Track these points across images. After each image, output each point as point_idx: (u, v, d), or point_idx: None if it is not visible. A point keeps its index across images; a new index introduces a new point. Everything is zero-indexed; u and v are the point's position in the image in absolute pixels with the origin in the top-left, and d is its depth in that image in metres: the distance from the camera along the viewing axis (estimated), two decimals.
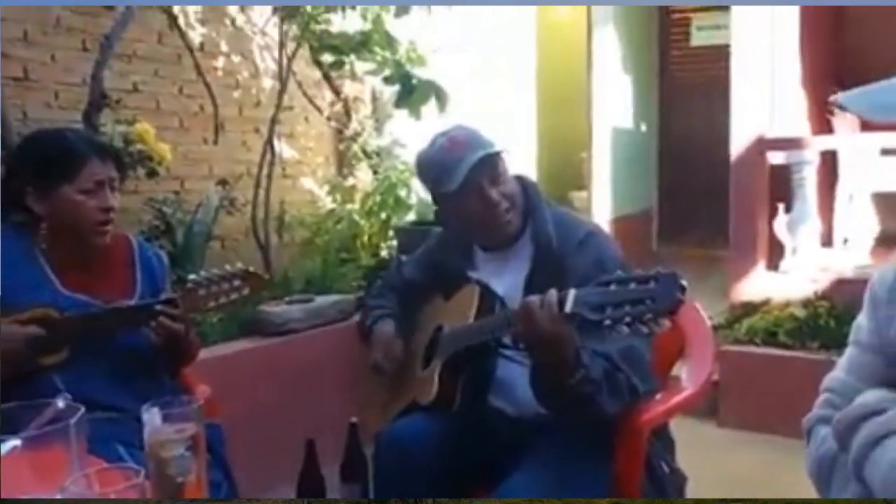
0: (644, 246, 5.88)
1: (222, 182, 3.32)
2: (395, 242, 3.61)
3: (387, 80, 3.41)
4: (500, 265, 1.64)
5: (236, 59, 3.61)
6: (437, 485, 1.49)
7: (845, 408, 0.94)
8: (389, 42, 3.30)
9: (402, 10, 3.21)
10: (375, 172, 3.84)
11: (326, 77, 3.89)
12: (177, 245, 2.88)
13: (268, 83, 3.72)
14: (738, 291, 3.74)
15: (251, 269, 1.65)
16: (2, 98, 2.40)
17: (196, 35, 3.40)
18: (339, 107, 4.01)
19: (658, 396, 1.58)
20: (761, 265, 3.77)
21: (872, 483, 0.88)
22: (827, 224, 4.12)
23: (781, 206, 3.81)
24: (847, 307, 3.14)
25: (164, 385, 1.68)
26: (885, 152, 3.93)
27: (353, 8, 3.26)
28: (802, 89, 4.32)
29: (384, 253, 3.66)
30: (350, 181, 3.96)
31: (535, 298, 1.32)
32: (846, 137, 4.06)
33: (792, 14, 3.89)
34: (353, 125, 4.00)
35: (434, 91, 3.31)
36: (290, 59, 3.35)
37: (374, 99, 4.16)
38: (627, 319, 1.20)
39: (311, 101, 3.86)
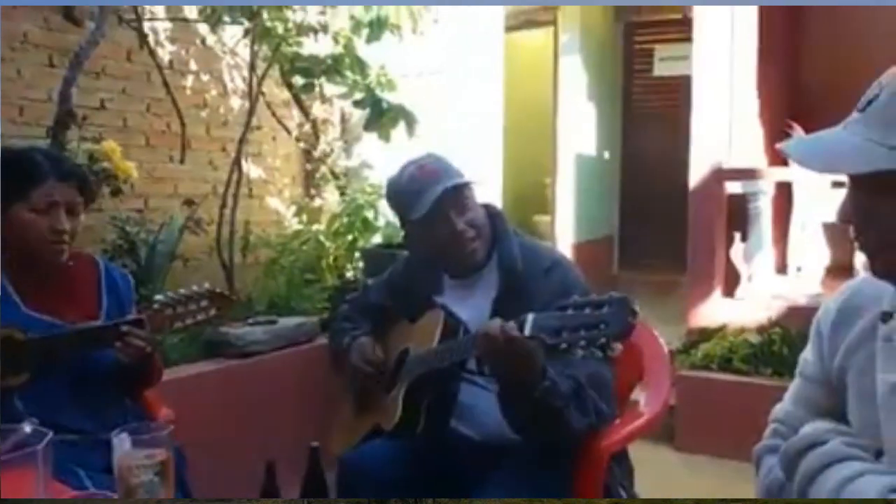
0: (605, 271, 5.98)
1: (189, 202, 3.31)
2: (360, 264, 3.62)
3: (357, 104, 3.44)
4: (467, 292, 1.67)
5: (205, 77, 3.61)
6: None
7: (791, 438, 0.98)
8: (360, 66, 3.34)
9: (373, 36, 3.26)
10: (343, 194, 3.86)
11: (296, 98, 3.91)
12: (140, 264, 2.85)
13: (236, 103, 3.72)
14: (696, 317, 3.81)
15: (218, 289, 1.65)
16: None
17: (165, 53, 3.40)
18: (307, 128, 4.03)
19: (617, 421, 1.61)
20: (718, 292, 3.85)
21: None
22: (781, 252, 4.25)
23: (738, 235, 3.91)
24: (800, 334, 3.23)
25: (126, 407, 1.67)
26: (836, 185, 4.06)
27: (325, 31, 3.29)
28: (759, 122, 4.46)
29: (349, 274, 3.66)
30: (317, 202, 3.97)
31: (494, 322, 1.36)
32: (800, 170, 4.18)
33: (750, 48, 4.02)
34: (322, 146, 4.02)
35: (403, 115, 3.35)
36: (260, 80, 3.37)
37: (343, 120, 4.19)
38: (582, 343, 1.24)
39: (279, 121, 3.87)
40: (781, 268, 4.23)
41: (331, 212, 3.81)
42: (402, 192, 1.66)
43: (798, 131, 3.99)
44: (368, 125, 3.42)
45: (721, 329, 3.63)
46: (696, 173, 3.92)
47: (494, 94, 4.82)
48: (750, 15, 3.94)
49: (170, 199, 3.41)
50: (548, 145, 5.89)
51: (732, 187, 3.96)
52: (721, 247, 3.90)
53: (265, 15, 3.12)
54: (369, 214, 3.59)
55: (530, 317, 1.31)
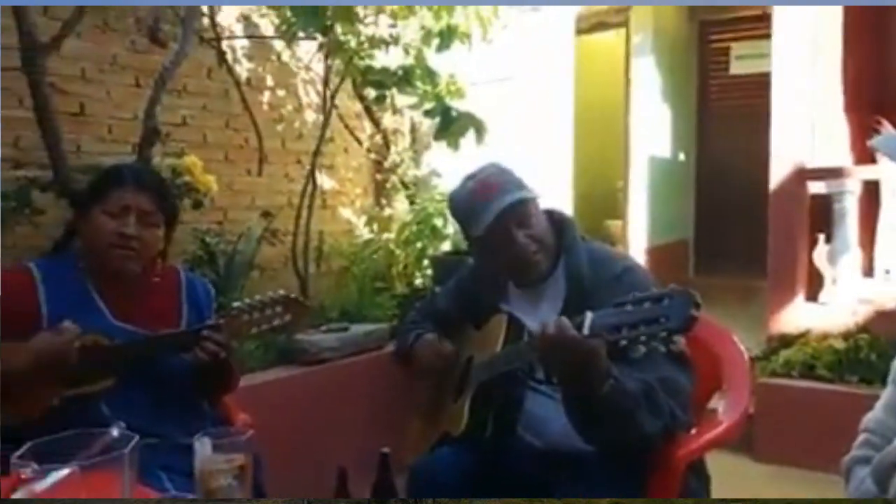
0: (680, 276, 5.83)
1: (266, 214, 3.41)
2: (429, 272, 3.65)
3: (427, 114, 3.47)
4: (533, 301, 1.66)
5: (281, 93, 3.73)
6: None
7: (885, 449, 0.94)
8: (431, 76, 3.37)
9: (443, 46, 3.28)
10: (412, 203, 3.90)
11: (367, 110, 3.99)
12: (219, 274, 2.95)
13: (310, 116, 3.83)
14: (776, 322, 3.69)
15: (293, 296, 1.66)
16: (58, 132, 2.50)
17: (243, 70, 3.53)
18: (378, 138, 4.10)
19: (693, 430, 1.57)
20: (800, 296, 3.72)
21: None
22: (868, 255, 4.05)
23: (821, 237, 3.76)
24: (889, 340, 3.08)
25: (205, 412, 1.71)
26: None
27: (396, 43, 3.34)
28: (845, 117, 4.27)
29: (419, 282, 3.70)
30: (387, 211, 4.03)
31: (551, 321, 1.34)
32: (889, 167, 3.99)
33: (834, 41, 3.87)
34: (392, 156, 4.08)
35: (472, 123, 3.36)
36: (333, 94, 3.45)
37: (413, 130, 4.24)
38: (643, 338, 1.21)
39: (351, 133, 3.95)
40: (868, 270, 4.02)
41: (400, 220, 3.86)
42: (462, 209, 1.65)
43: (887, 127, 3.80)
44: (438, 134, 3.44)
45: (803, 335, 3.49)
46: (777, 173, 3.79)
47: (565, 97, 4.78)
48: (834, 6, 3.78)
49: (247, 210, 3.53)
50: (619, 148, 5.81)
51: (815, 187, 3.81)
52: (804, 249, 3.76)
53: (338, 29, 3.19)
54: (438, 222, 3.62)
55: (588, 315, 1.29)
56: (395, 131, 4.17)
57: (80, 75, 2.93)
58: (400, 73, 3.40)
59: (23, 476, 0.91)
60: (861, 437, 1.07)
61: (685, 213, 6.17)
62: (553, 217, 1.68)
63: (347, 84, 3.66)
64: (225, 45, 3.40)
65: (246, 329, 1.62)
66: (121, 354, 1.59)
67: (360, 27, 3.27)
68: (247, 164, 3.55)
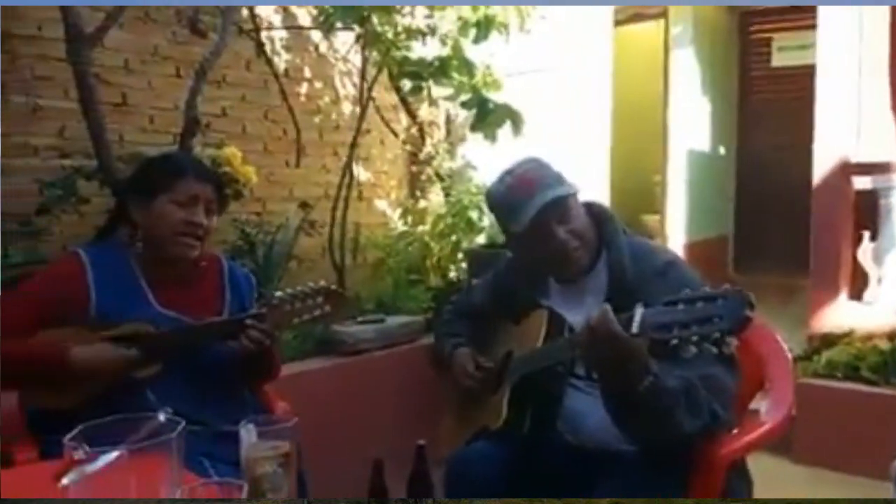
0: (719, 273, 5.73)
1: (303, 205, 3.43)
2: (464, 265, 3.64)
3: (464, 105, 3.46)
4: (574, 295, 1.65)
5: (318, 84, 3.75)
6: None
7: None
8: (467, 67, 3.35)
9: (481, 36, 3.27)
10: (447, 195, 3.89)
11: (404, 102, 3.99)
12: (258, 264, 2.99)
13: (347, 108, 3.84)
14: (819, 322, 3.60)
15: (334, 287, 1.68)
16: (102, 122, 2.55)
17: (281, 62, 3.55)
18: (414, 130, 4.10)
19: (735, 430, 1.55)
20: (843, 295, 3.62)
21: None
22: None
23: (867, 234, 3.67)
24: None
25: (245, 401, 1.74)
26: None
27: (433, 34, 3.33)
28: (892, 111, 4.16)
29: (453, 275, 3.70)
30: (422, 204, 4.03)
31: (594, 316, 1.31)
32: None
33: (882, 32, 3.76)
34: (427, 148, 4.08)
35: (509, 115, 3.34)
36: (370, 85, 3.45)
37: (449, 122, 4.23)
38: (695, 339, 1.18)
39: (387, 125, 3.96)
40: None
41: (435, 213, 3.86)
42: (501, 205, 1.62)
43: None
44: (475, 126, 3.43)
45: (847, 335, 3.41)
46: (821, 168, 3.70)
47: (603, 89, 4.73)
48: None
49: (285, 201, 3.56)
50: (658, 142, 5.73)
51: (861, 182, 3.71)
52: (847, 247, 3.67)
53: (375, 20, 3.19)
54: (473, 215, 3.61)
55: (639, 311, 1.27)
56: (431, 123, 4.17)
57: (122, 66, 2.98)
58: (436, 64, 3.38)
59: (75, 457, 0.93)
60: None
61: (725, 209, 6.06)
62: (592, 210, 1.66)
63: (384, 76, 3.67)
64: (264, 36, 3.42)
65: (289, 319, 1.64)
66: (168, 342, 1.62)
67: (397, 18, 3.27)
68: (285, 156, 3.57)
